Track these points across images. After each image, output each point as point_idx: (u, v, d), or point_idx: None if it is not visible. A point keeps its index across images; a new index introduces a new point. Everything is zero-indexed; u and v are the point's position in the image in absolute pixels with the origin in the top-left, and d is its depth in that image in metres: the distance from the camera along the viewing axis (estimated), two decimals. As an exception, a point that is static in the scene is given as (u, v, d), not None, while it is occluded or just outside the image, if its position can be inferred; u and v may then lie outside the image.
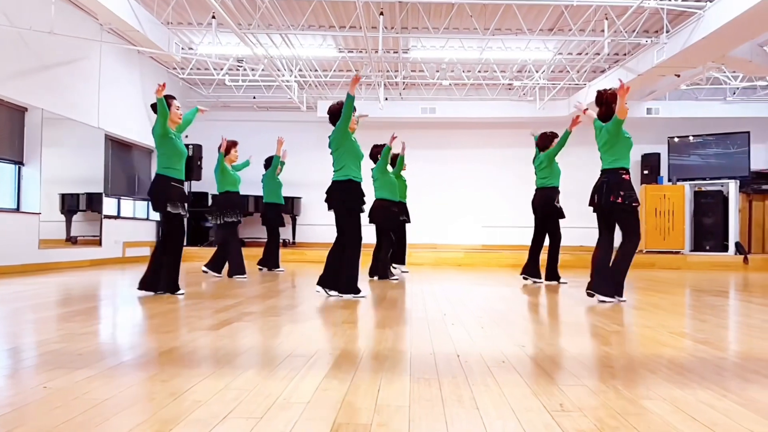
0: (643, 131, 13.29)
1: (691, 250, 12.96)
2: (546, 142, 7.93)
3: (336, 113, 5.98)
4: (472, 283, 8.00)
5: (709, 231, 12.93)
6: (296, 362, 2.96)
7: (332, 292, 5.90)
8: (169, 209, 5.83)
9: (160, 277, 5.88)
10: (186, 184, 12.56)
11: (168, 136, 5.87)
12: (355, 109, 5.96)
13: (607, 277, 5.70)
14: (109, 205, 11.63)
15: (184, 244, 6.37)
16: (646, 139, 13.90)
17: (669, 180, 13.78)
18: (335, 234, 5.93)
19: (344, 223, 5.84)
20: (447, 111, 14.57)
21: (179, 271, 6.00)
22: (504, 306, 5.43)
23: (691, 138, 13.71)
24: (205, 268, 8.39)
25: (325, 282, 5.93)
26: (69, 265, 9.84)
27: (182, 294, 5.88)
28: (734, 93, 14.22)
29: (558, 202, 7.73)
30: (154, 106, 5.85)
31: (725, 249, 12.65)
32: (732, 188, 12.72)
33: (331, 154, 5.98)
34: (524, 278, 7.91)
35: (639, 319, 4.76)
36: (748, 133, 13.21)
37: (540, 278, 7.84)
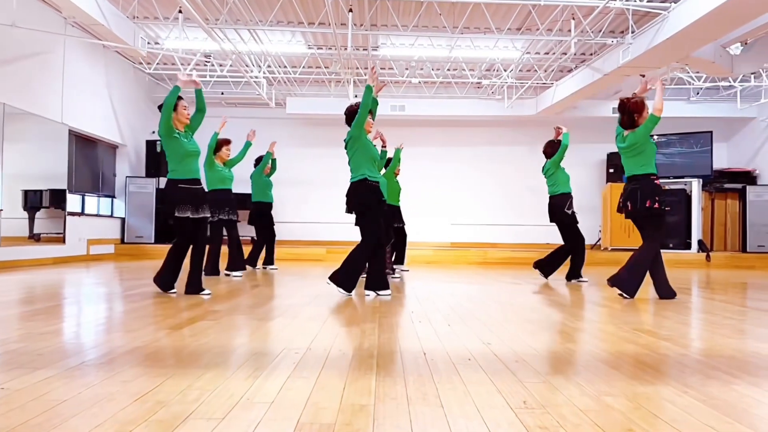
0: (609, 130, 13.40)
1: (656, 248, 13.17)
2: (553, 149, 7.94)
3: (353, 113, 5.88)
4: (440, 281, 8.03)
5: (672, 229, 13.15)
6: (261, 361, 2.94)
7: (369, 293, 5.93)
8: (177, 214, 5.67)
9: (174, 278, 5.90)
10: (155, 181, 12.35)
11: (173, 135, 5.66)
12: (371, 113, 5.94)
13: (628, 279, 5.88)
14: (72, 201, 11.44)
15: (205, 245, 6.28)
16: (612, 138, 14.05)
17: (634, 178, 13.96)
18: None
19: (361, 222, 5.82)
20: (416, 109, 14.60)
21: (201, 272, 5.92)
22: (471, 304, 5.46)
23: (655, 137, 13.90)
24: (226, 272, 8.26)
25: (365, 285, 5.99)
26: (32, 263, 9.64)
27: (208, 294, 5.84)
28: (698, 93, 14.49)
29: (569, 207, 7.76)
30: (162, 107, 5.69)
31: (688, 247, 12.89)
32: (695, 187, 12.96)
33: (347, 154, 5.92)
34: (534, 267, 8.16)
35: (603, 316, 4.82)
36: (711, 132, 13.48)
37: (545, 276, 8.03)
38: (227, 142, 8.33)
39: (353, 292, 5.95)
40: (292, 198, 14.98)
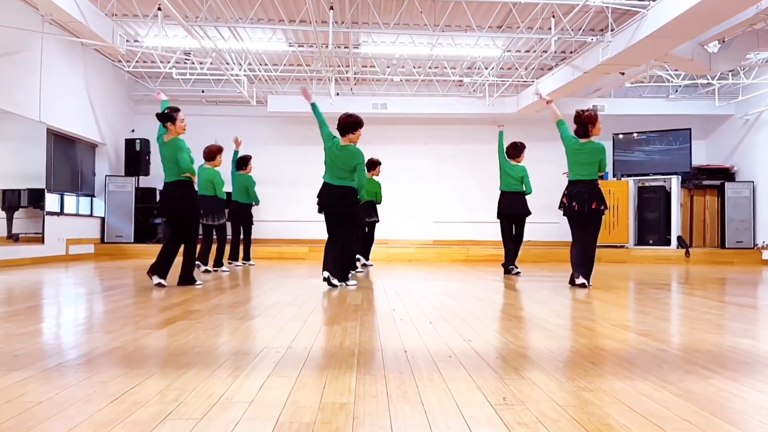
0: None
1: (635, 244, 13.30)
2: (516, 152, 8.53)
3: (349, 126, 6.50)
4: (423, 279, 8.04)
5: (652, 225, 13.28)
6: (241, 361, 2.92)
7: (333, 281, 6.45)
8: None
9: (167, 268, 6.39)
10: (134, 179, 12.33)
11: (190, 154, 6.37)
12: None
13: (589, 268, 6.72)
14: (51, 201, 11.31)
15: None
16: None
17: (614, 176, 14.11)
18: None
19: (347, 224, 6.59)
20: (398, 107, 14.60)
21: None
22: (453, 301, 5.47)
23: (635, 135, 14.05)
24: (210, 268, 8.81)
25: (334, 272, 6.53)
26: (10, 263, 9.52)
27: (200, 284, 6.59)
28: (676, 91, 14.63)
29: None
30: (159, 116, 6.20)
31: (668, 243, 13.01)
32: (674, 183, 13.10)
33: (333, 160, 6.46)
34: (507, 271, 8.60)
35: (583, 312, 4.85)
36: (689, 129, 13.61)
37: (509, 266, 8.59)
38: (220, 150, 8.80)
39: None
40: (274, 196, 14.90)
